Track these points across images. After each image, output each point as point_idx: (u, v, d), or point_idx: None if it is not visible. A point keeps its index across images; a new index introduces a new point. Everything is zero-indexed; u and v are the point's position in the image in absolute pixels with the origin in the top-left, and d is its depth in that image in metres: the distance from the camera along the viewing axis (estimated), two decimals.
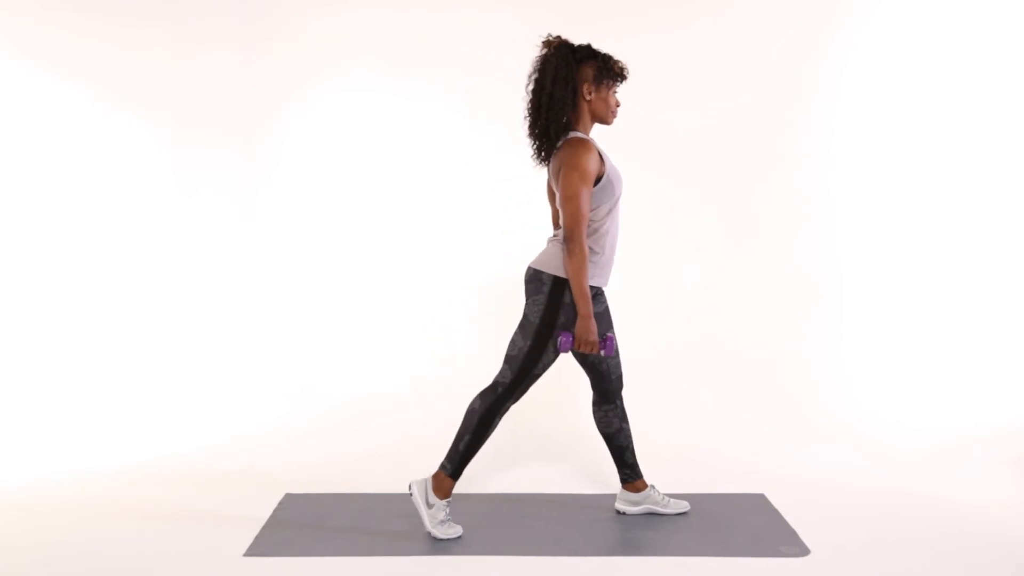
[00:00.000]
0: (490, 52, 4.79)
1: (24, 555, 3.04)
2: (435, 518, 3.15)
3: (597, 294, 3.15)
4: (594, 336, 2.98)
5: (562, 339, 3.00)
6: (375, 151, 4.96)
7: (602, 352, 3.05)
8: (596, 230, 3.04)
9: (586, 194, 2.92)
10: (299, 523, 3.30)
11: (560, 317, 3.02)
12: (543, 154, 3.07)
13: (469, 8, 4.86)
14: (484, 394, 3.13)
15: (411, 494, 3.17)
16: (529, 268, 3.10)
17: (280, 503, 3.50)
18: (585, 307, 2.95)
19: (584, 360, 3.26)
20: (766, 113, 4.74)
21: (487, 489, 3.71)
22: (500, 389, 3.11)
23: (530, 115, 3.03)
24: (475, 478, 3.80)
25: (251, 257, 5.01)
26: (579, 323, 2.97)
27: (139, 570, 2.92)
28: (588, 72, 3.01)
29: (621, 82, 3.07)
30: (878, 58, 4.72)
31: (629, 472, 3.38)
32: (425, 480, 3.17)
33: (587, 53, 3.02)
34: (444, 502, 3.15)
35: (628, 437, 3.36)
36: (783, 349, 4.74)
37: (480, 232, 4.90)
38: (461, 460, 3.13)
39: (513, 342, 3.11)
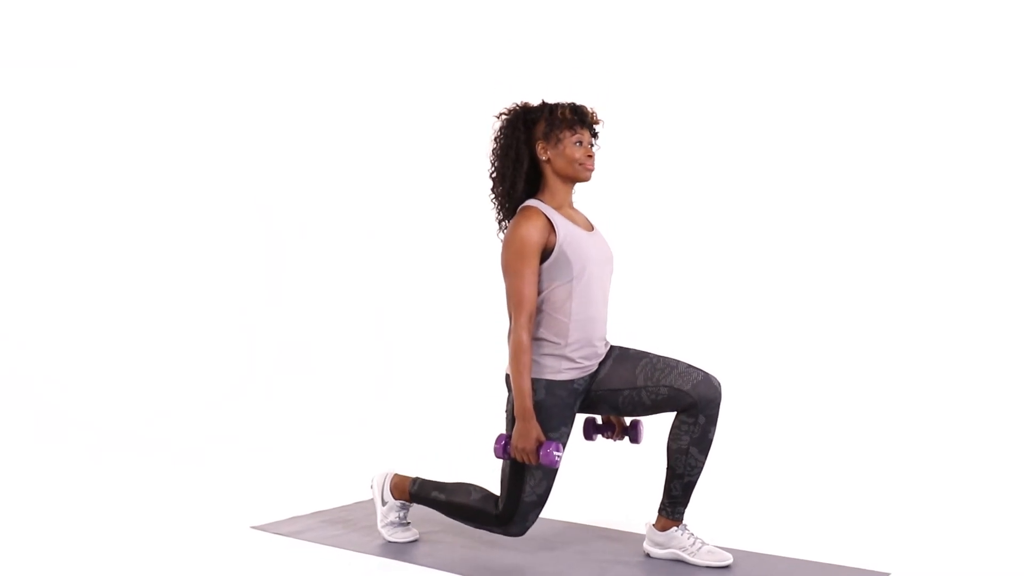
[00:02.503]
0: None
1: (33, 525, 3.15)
2: (386, 517, 2.92)
3: (585, 382, 2.68)
4: (529, 442, 2.53)
5: (495, 443, 2.61)
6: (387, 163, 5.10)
7: (541, 463, 2.56)
8: (551, 315, 2.60)
9: (523, 271, 2.56)
10: (323, 519, 3.20)
11: None
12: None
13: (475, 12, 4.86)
14: (488, 498, 2.76)
15: (371, 487, 2.95)
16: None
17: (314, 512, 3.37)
18: (520, 406, 2.53)
19: (644, 409, 2.68)
20: (767, 113, 4.67)
21: None
22: (494, 511, 2.72)
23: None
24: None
25: (254, 260, 5.08)
26: (516, 425, 2.55)
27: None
28: (540, 130, 2.65)
29: (582, 128, 2.64)
30: (878, 57, 4.60)
31: (667, 504, 2.76)
32: (386, 475, 2.94)
33: (538, 112, 2.67)
34: (399, 503, 2.91)
35: (689, 468, 2.68)
36: None
37: None
38: (424, 500, 2.87)
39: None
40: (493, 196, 2.71)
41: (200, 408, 4.58)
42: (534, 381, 2.58)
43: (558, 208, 2.65)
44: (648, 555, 2.77)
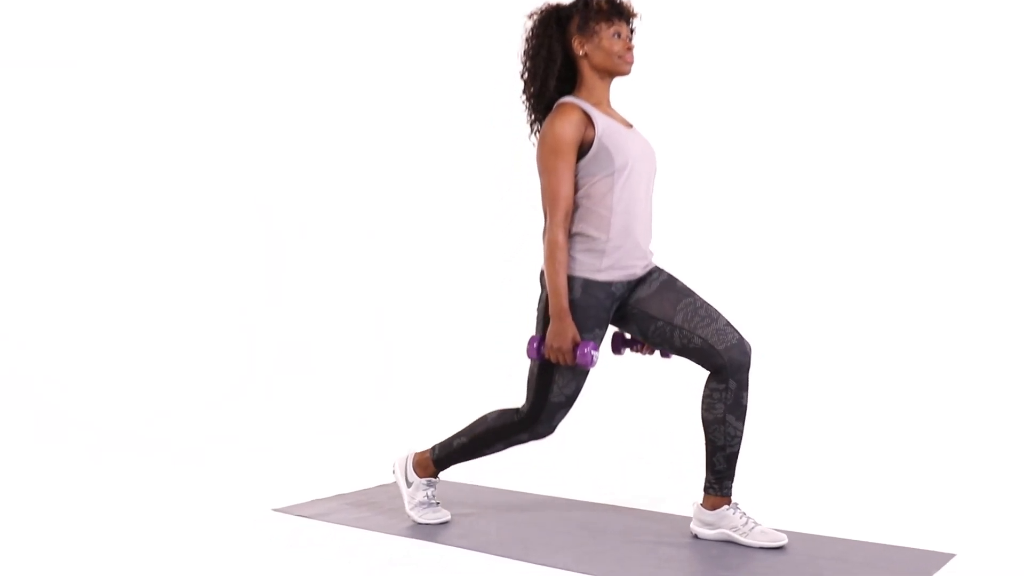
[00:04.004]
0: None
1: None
2: (413, 498, 2.78)
3: (627, 285, 2.58)
4: (565, 342, 2.45)
5: (528, 344, 2.53)
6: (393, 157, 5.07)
7: (577, 363, 2.48)
8: (592, 209, 2.52)
9: (558, 167, 2.49)
10: (346, 502, 3.05)
11: None
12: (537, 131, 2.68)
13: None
14: (504, 411, 2.71)
15: (392, 472, 2.84)
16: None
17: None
18: (556, 304, 2.46)
19: (672, 349, 2.59)
20: (767, 112, 4.56)
21: (547, 490, 3.18)
22: (517, 417, 2.65)
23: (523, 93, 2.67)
24: (533, 474, 3.31)
25: (254, 260, 5.06)
26: (550, 324, 2.48)
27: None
28: (574, 26, 2.58)
29: (619, 19, 2.56)
30: (878, 57, 4.48)
31: (712, 481, 2.62)
32: (406, 457, 2.82)
33: (572, 7, 2.59)
34: (424, 481, 2.78)
35: (729, 438, 2.56)
36: None
37: None
38: (450, 455, 2.76)
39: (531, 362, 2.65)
40: (524, 98, 2.63)
41: (200, 408, 4.46)
42: (570, 279, 2.49)
43: (596, 105, 2.56)
44: (696, 536, 2.62)
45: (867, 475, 3.29)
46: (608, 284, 2.52)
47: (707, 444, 2.59)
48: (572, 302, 2.49)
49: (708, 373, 2.57)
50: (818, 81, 4.61)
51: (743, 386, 2.52)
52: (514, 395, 2.68)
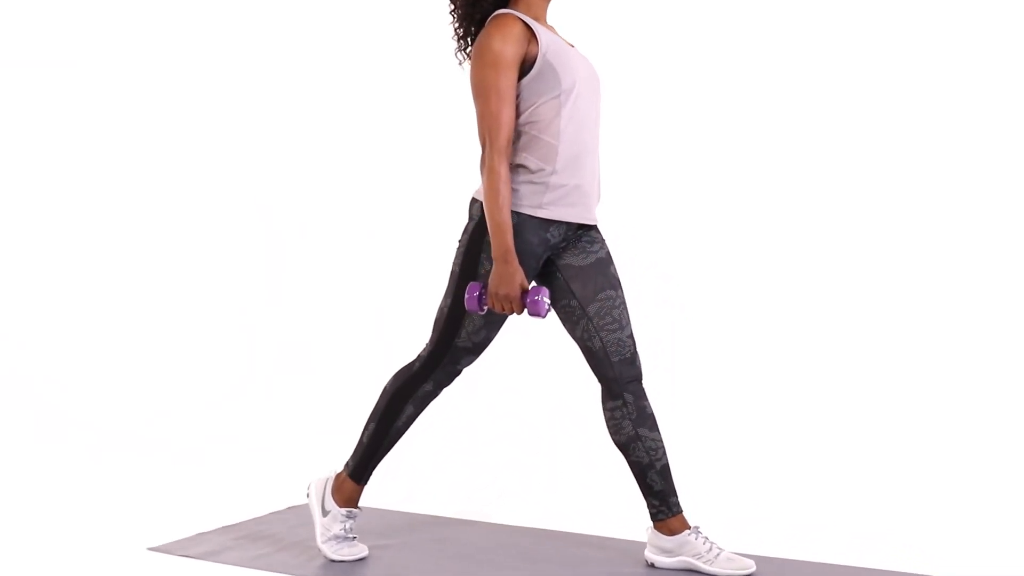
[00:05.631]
0: None
1: None
2: (327, 531, 2.39)
3: (565, 235, 2.31)
4: (512, 288, 2.15)
5: (467, 293, 2.20)
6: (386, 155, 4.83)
7: (526, 312, 2.18)
8: (537, 137, 2.22)
9: (501, 86, 2.18)
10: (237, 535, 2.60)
11: (484, 264, 2.24)
12: (468, 52, 2.35)
13: None
14: (398, 371, 2.43)
15: (307, 495, 2.44)
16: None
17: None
18: (501, 244, 2.15)
19: (571, 333, 2.37)
20: (767, 111, 4.34)
21: (476, 514, 2.85)
22: (416, 364, 2.37)
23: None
24: (459, 495, 3.01)
25: (254, 260, 4.90)
26: (493, 268, 2.17)
27: None
28: None
29: None
30: (878, 56, 4.26)
31: (658, 505, 2.35)
32: (325, 479, 2.45)
33: None
34: (343, 511, 2.40)
35: (652, 452, 2.32)
36: None
37: None
38: (364, 456, 2.40)
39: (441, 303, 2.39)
40: (453, 8, 2.31)
41: (200, 408, 4.12)
42: None
43: (535, 20, 2.26)
44: (652, 565, 2.34)
45: (839, 494, 3.05)
46: (547, 225, 2.23)
47: (633, 469, 2.33)
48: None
49: (601, 395, 2.35)
50: (810, 69, 4.39)
51: (640, 396, 2.33)
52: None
